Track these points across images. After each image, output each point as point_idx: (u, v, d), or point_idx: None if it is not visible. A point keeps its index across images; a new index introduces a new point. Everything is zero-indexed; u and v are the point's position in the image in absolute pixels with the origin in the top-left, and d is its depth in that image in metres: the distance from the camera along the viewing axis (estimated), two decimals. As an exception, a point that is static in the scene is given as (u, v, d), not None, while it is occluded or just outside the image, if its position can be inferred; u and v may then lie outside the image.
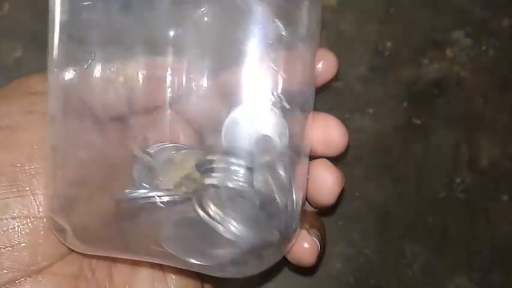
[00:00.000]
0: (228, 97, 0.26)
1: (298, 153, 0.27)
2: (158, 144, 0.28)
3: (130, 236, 0.27)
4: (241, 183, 0.25)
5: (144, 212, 0.27)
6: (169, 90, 0.27)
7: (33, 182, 0.26)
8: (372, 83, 0.41)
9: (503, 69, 0.42)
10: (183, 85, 0.27)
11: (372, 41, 0.41)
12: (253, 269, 0.27)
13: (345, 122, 0.29)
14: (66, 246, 0.27)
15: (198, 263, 0.25)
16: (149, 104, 0.28)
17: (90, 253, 0.27)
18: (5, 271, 0.26)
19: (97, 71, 0.26)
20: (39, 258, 0.27)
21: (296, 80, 0.27)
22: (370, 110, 0.41)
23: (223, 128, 0.26)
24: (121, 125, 0.28)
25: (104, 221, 0.27)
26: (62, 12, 0.26)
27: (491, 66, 0.42)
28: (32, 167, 0.27)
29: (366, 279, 0.40)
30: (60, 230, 0.26)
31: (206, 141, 0.28)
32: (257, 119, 0.26)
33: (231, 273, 0.26)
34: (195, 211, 0.25)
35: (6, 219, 0.26)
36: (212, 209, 0.25)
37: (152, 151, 0.28)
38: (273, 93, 0.26)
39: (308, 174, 0.28)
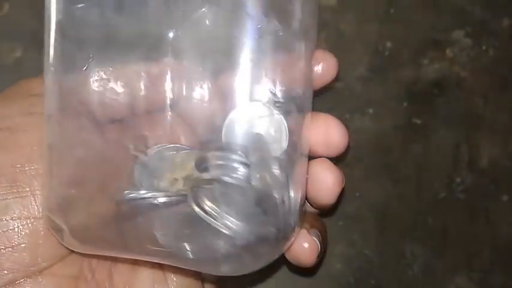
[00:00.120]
0: (227, 98, 0.26)
1: (296, 151, 0.27)
2: (158, 145, 0.28)
3: (128, 236, 0.27)
4: (238, 180, 0.25)
5: (143, 212, 0.27)
6: (169, 91, 0.27)
7: (33, 183, 0.27)
8: (371, 83, 0.41)
9: (503, 69, 0.42)
10: (183, 86, 0.27)
11: (372, 41, 0.41)
12: (250, 266, 0.27)
13: (345, 122, 0.29)
14: (65, 247, 0.27)
15: (194, 258, 0.25)
16: (149, 105, 0.28)
17: (87, 252, 0.27)
18: (5, 272, 0.26)
19: (95, 72, 0.26)
20: (39, 259, 0.27)
21: (293, 78, 0.27)
22: (370, 110, 0.41)
23: (223, 128, 0.26)
24: (120, 126, 0.28)
25: (103, 221, 0.27)
26: (57, 11, 0.26)
27: (491, 66, 0.41)
28: (32, 168, 0.27)
29: (366, 279, 0.40)
30: (58, 229, 0.26)
31: (206, 141, 0.28)
32: (255, 118, 0.26)
33: (228, 270, 0.26)
34: (191, 207, 0.25)
35: (6, 220, 0.26)
36: (208, 204, 0.25)
37: (152, 152, 0.28)
38: (270, 92, 0.26)
39: (308, 174, 0.28)
